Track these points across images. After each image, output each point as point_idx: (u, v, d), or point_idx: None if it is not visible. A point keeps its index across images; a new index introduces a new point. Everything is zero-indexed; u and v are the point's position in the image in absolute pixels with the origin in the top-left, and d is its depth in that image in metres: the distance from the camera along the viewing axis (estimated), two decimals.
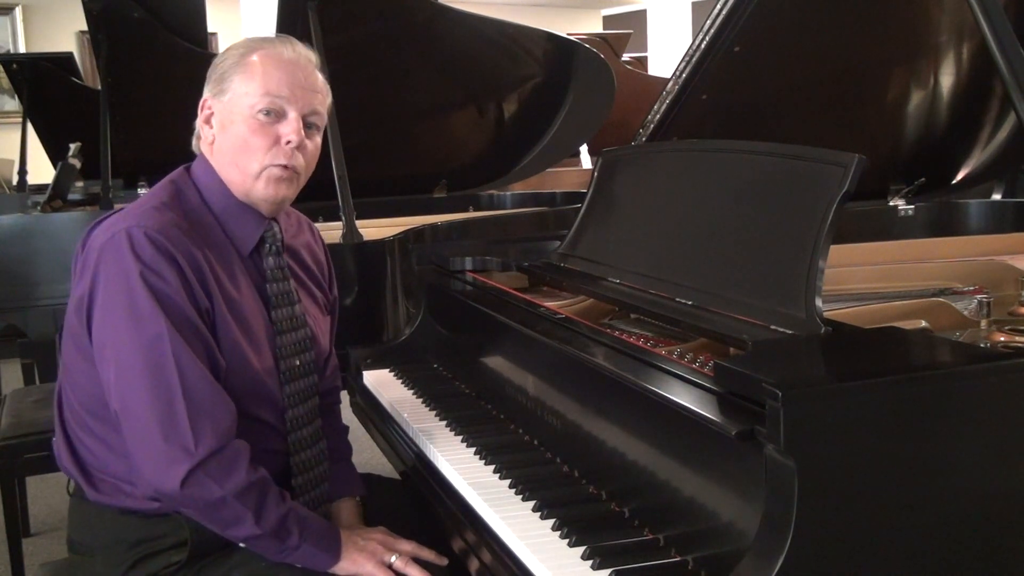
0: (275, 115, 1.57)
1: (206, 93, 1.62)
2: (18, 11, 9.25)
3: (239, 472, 1.44)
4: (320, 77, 1.65)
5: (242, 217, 1.62)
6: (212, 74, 1.62)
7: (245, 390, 1.54)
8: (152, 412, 1.42)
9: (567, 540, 1.31)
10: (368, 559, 1.51)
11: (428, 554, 1.56)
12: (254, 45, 1.61)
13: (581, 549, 1.28)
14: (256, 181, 1.58)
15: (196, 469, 1.40)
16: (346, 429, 1.90)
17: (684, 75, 2.28)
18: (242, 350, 1.54)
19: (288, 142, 1.57)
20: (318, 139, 1.65)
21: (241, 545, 1.51)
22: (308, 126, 1.61)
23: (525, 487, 1.50)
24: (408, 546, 1.55)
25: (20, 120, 5.91)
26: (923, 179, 2.73)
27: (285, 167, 1.58)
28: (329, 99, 1.68)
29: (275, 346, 1.62)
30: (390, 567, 1.51)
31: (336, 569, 1.51)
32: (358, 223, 2.84)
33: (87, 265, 1.49)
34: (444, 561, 1.56)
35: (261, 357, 1.58)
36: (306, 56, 1.63)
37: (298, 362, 1.66)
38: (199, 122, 1.63)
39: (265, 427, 1.60)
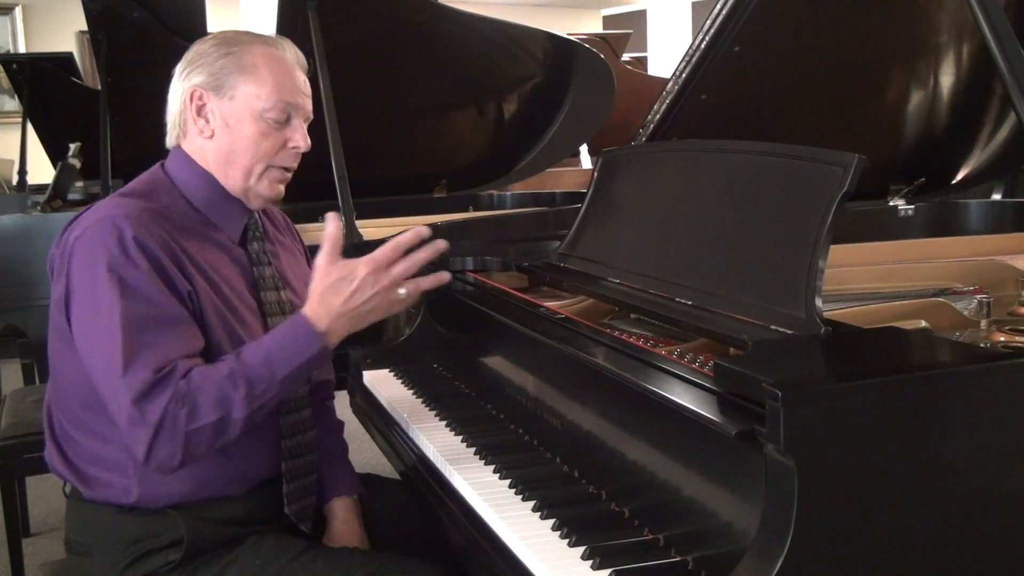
0: (284, 120, 1.60)
1: (196, 81, 1.58)
2: (18, 11, 9.24)
3: (180, 414, 1.40)
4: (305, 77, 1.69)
5: (226, 208, 1.64)
6: (198, 62, 1.59)
7: None
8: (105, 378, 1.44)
9: (567, 540, 1.31)
10: (348, 323, 1.49)
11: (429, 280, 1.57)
12: (247, 41, 1.61)
13: (581, 549, 1.28)
14: (259, 181, 1.62)
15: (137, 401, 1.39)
16: (341, 425, 1.89)
17: (684, 75, 2.27)
18: (235, 331, 1.55)
19: (295, 147, 1.62)
20: None
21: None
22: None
23: (525, 487, 1.50)
24: (400, 267, 1.53)
25: (20, 120, 5.91)
26: (923, 179, 2.73)
27: (287, 169, 1.64)
28: None
29: (267, 328, 1.62)
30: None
31: (327, 344, 1.49)
32: (358, 223, 2.84)
33: (63, 261, 1.50)
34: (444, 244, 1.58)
35: (254, 340, 1.58)
36: (301, 58, 1.67)
37: None
38: (188, 113, 1.60)
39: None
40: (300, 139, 1.62)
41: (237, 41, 1.61)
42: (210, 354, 1.50)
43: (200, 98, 1.59)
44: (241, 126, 1.59)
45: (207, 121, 1.60)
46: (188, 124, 1.62)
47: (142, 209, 1.52)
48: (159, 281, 1.47)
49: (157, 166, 1.66)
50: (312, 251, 1.91)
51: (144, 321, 1.44)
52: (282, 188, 1.66)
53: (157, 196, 1.59)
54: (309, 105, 1.66)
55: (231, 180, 1.62)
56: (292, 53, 1.65)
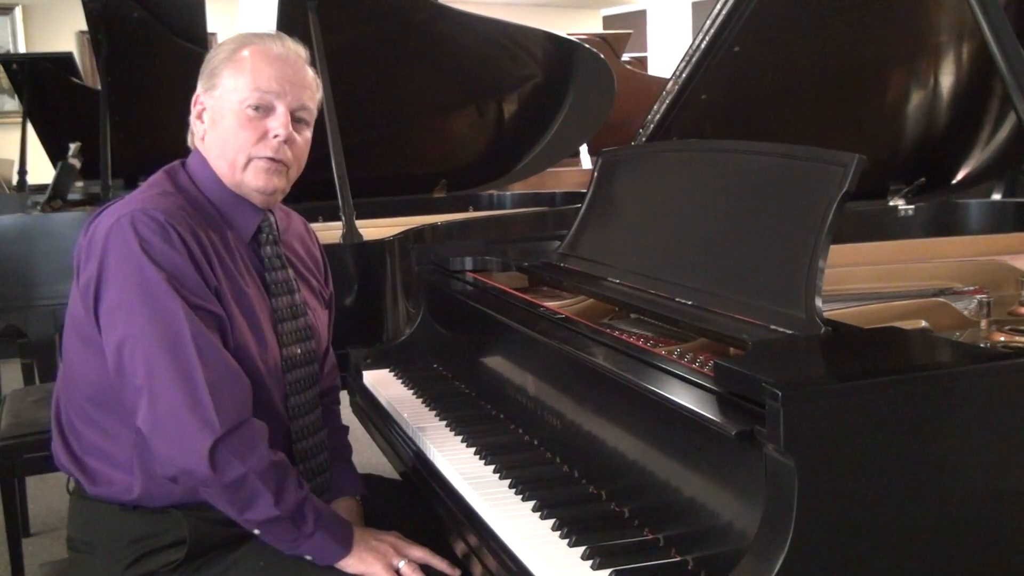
0: (264, 110, 1.59)
1: (198, 89, 1.64)
2: (18, 11, 9.25)
3: (260, 450, 1.44)
4: (310, 72, 1.66)
5: (238, 207, 1.64)
6: (204, 69, 1.64)
7: (249, 376, 1.54)
8: (175, 387, 1.42)
9: (567, 540, 1.31)
10: (377, 559, 1.50)
11: (440, 562, 1.54)
12: (245, 40, 1.63)
13: (581, 549, 1.28)
14: (244, 173, 1.60)
15: (219, 444, 1.40)
16: (346, 429, 1.90)
17: (684, 75, 2.28)
18: (245, 337, 1.55)
19: (276, 136, 1.59)
20: (308, 133, 1.66)
21: (256, 532, 1.50)
22: (297, 120, 1.62)
23: (525, 487, 1.50)
24: (419, 552, 1.54)
25: (20, 120, 5.91)
26: (923, 179, 2.74)
27: (271, 159, 1.60)
28: (319, 95, 1.69)
29: (277, 333, 1.63)
30: (397, 572, 1.50)
31: (344, 565, 1.50)
32: (358, 223, 2.84)
33: (92, 250, 1.49)
34: (457, 572, 1.54)
35: (264, 344, 1.59)
36: (296, 51, 1.65)
37: (299, 350, 1.67)
38: (192, 118, 1.65)
39: (268, 413, 1.59)
40: (280, 126, 1.58)
41: (236, 40, 1.63)
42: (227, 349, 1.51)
43: (200, 103, 1.63)
44: (224, 120, 1.60)
45: (203, 123, 1.63)
46: (194, 128, 1.65)
47: (174, 204, 1.53)
48: (195, 272, 1.48)
49: (178, 163, 1.67)
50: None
51: (196, 304, 1.46)
52: (277, 180, 1.62)
53: (183, 190, 1.60)
54: (302, 96, 1.62)
55: (225, 177, 1.62)
56: (282, 45, 1.63)
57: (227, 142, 1.59)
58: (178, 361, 1.42)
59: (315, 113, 1.68)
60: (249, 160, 1.59)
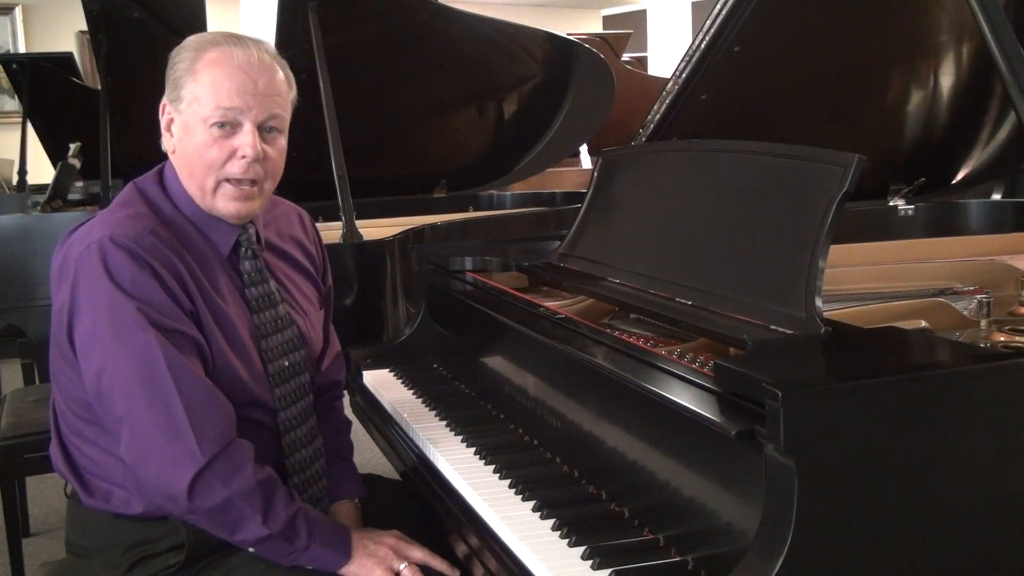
0: (230, 127, 1.52)
1: (166, 95, 1.57)
2: (18, 11, 9.24)
3: (245, 472, 1.43)
4: (280, 74, 1.57)
5: (213, 224, 1.59)
6: (168, 75, 1.56)
7: (233, 395, 1.51)
8: (153, 419, 1.41)
9: (567, 540, 1.31)
10: (377, 564, 1.50)
11: (440, 563, 1.53)
12: (204, 46, 1.54)
13: (581, 549, 1.28)
14: (214, 198, 1.55)
15: (202, 472, 1.39)
16: (349, 425, 1.88)
17: (684, 75, 2.27)
18: (228, 356, 1.53)
19: (243, 156, 1.52)
20: (282, 141, 1.59)
21: (251, 550, 1.49)
22: (268, 130, 1.55)
23: (525, 487, 1.50)
24: (419, 553, 1.53)
25: (20, 120, 5.91)
26: (923, 179, 2.74)
27: (240, 181, 1.54)
28: (293, 94, 1.61)
29: (261, 349, 1.60)
30: (398, 575, 1.50)
31: (345, 572, 1.50)
32: (358, 223, 2.84)
33: (64, 276, 1.47)
34: (457, 573, 1.53)
35: (248, 361, 1.56)
36: (259, 57, 1.54)
37: (287, 363, 1.64)
38: (162, 127, 1.59)
39: (257, 428, 1.58)
40: (247, 146, 1.51)
41: (197, 46, 1.54)
42: (207, 373, 1.49)
43: (167, 113, 1.57)
44: (190, 136, 1.53)
45: (171, 135, 1.57)
46: (164, 139, 1.59)
47: (144, 227, 1.48)
48: (168, 297, 1.45)
49: (150, 175, 1.61)
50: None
51: (172, 328, 1.44)
52: (249, 204, 1.56)
53: (155, 208, 1.56)
54: (270, 106, 1.54)
55: (198, 199, 1.56)
56: (244, 52, 1.52)
57: (195, 163, 1.53)
58: (155, 393, 1.41)
59: (288, 117, 1.60)
60: (218, 183, 1.53)
